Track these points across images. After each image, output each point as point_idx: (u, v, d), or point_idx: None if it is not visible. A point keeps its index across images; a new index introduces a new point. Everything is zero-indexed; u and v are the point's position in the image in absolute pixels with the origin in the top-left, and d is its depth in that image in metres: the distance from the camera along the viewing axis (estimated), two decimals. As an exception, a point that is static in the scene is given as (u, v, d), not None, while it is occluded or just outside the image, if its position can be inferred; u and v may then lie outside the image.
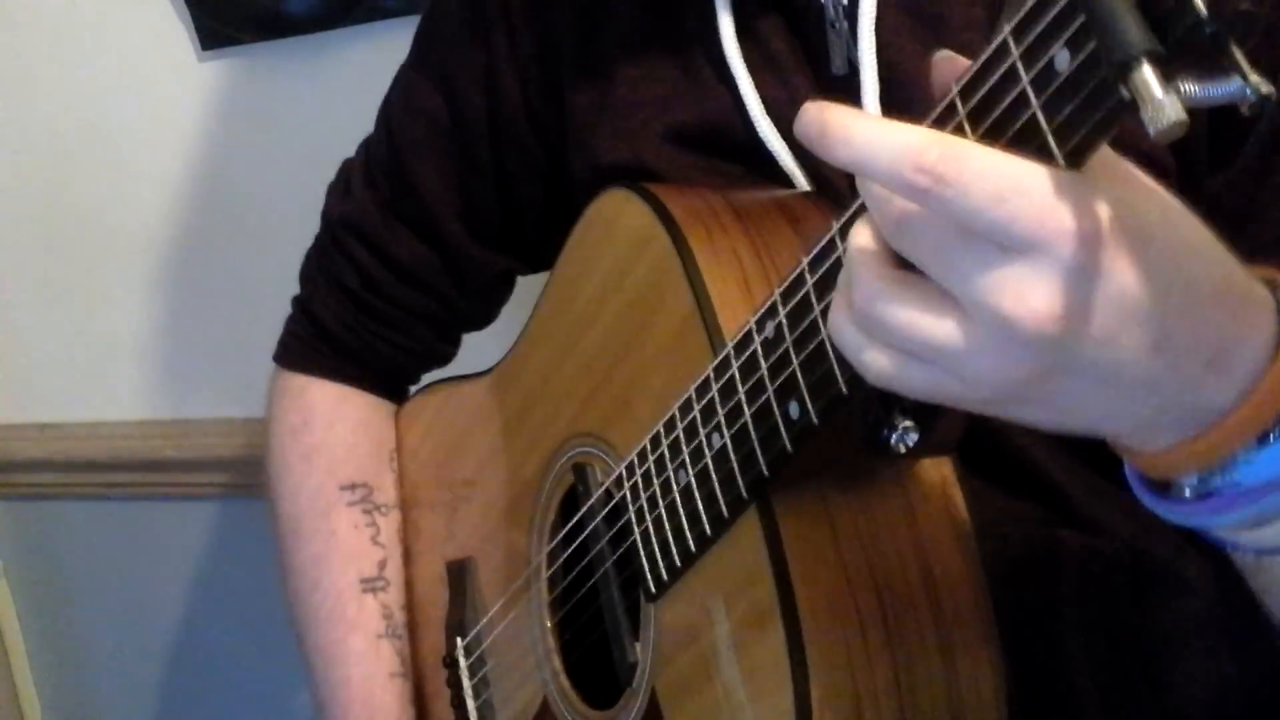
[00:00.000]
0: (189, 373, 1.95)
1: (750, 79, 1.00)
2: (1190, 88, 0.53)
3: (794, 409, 0.79)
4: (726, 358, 0.85)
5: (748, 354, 0.82)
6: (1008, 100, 0.59)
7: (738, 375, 0.84)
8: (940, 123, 0.63)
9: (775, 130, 1.00)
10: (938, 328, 0.62)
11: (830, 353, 0.75)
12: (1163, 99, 0.52)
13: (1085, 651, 0.97)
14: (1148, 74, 0.52)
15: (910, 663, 0.86)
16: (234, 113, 1.78)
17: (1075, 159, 0.58)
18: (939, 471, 0.89)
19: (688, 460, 0.90)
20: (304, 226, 1.33)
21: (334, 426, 1.30)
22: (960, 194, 0.59)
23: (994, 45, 0.60)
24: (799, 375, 0.78)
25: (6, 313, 2.03)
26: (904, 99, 0.94)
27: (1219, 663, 0.96)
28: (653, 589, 0.96)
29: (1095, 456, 0.83)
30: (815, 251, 0.74)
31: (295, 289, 1.33)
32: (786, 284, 0.78)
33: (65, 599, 2.22)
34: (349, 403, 1.31)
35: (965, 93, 0.62)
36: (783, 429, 0.81)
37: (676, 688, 0.96)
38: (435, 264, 1.25)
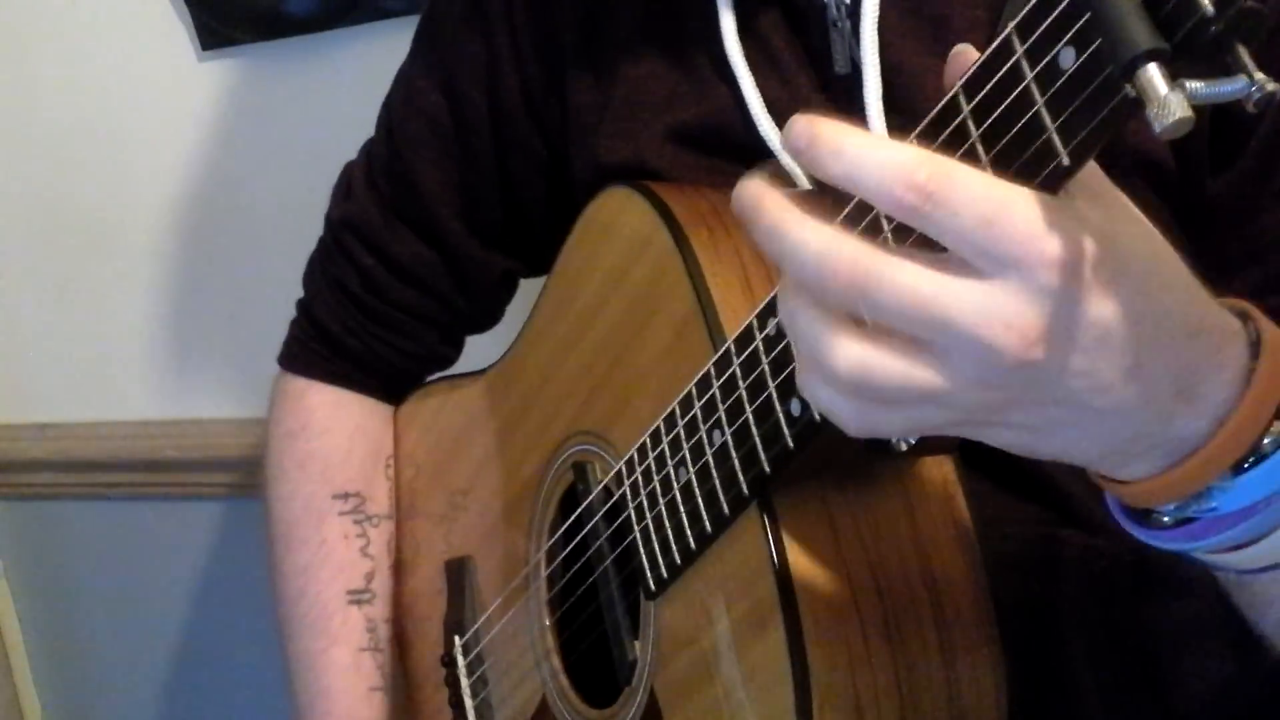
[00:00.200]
0: (189, 373, 1.95)
1: (752, 79, 1.00)
2: (1195, 85, 0.53)
3: (796, 406, 0.79)
4: (728, 354, 0.85)
5: (749, 350, 0.82)
6: (1011, 97, 0.59)
7: (739, 372, 0.84)
8: (943, 120, 0.63)
9: (776, 130, 1.00)
10: (923, 377, 0.61)
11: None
12: (1168, 96, 0.52)
13: (1086, 652, 0.97)
14: (1153, 72, 0.52)
15: (911, 662, 0.86)
16: (234, 113, 1.77)
17: (1078, 158, 0.58)
18: (940, 470, 0.89)
19: (688, 457, 0.90)
20: (303, 227, 1.32)
21: (330, 433, 1.30)
22: (950, 214, 0.58)
23: (997, 42, 0.60)
24: None
25: (6, 313, 2.03)
26: (906, 99, 0.94)
27: (1220, 663, 0.96)
28: (652, 587, 0.96)
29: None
30: None
31: (294, 289, 1.33)
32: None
33: (65, 599, 2.21)
34: (346, 408, 1.31)
35: (969, 90, 0.62)
36: (784, 426, 0.81)
37: (676, 687, 0.96)
38: (436, 265, 1.24)
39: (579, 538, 1.06)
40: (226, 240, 1.85)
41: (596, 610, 1.05)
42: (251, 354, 1.84)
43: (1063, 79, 0.57)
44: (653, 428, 0.94)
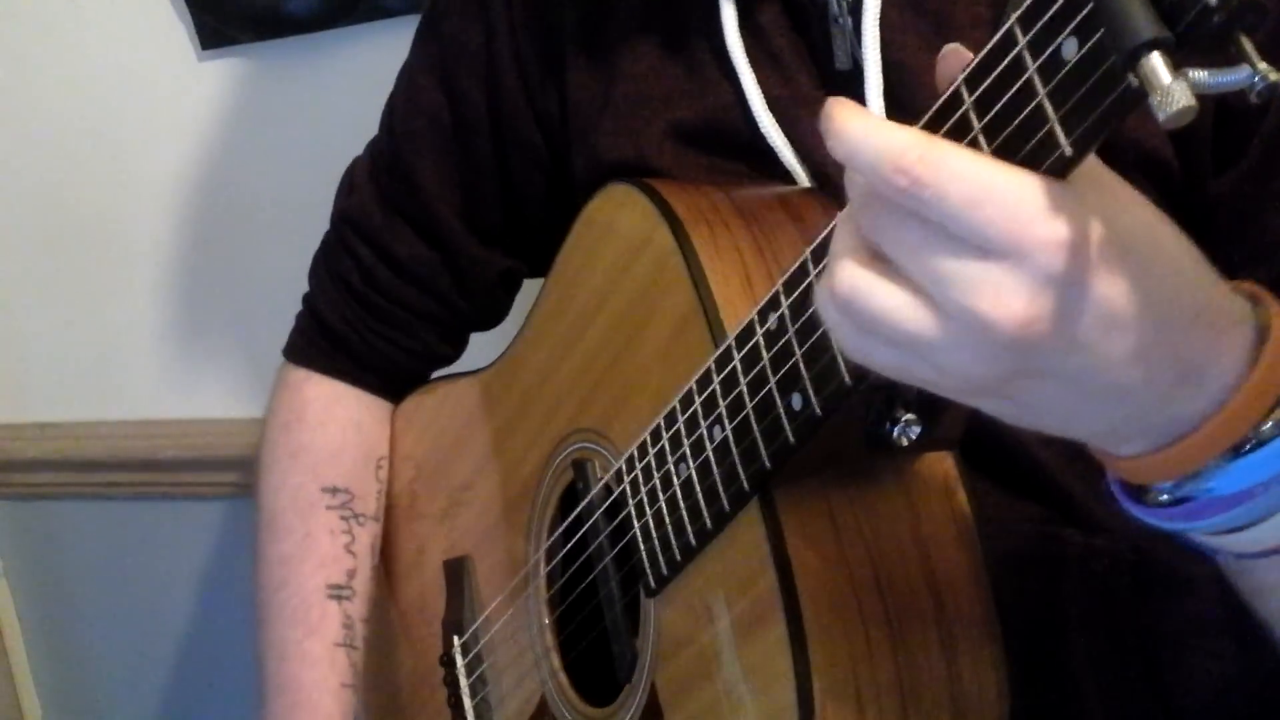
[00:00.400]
0: (189, 372, 1.95)
1: (753, 75, 1.00)
2: (1199, 75, 0.53)
3: (797, 400, 0.79)
4: (728, 350, 0.85)
5: (750, 346, 0.82)
6: (1014, 89, 0.60)
7: (739, 367, 0.84)
8: (945, 112, 0.63)
9: (778, 127, 1.00)
10: (913, 319, 0.62)
11: (833, 344, 0.75)
12: (1171, 85, 0.52)
13: (1088, 651, 0.97)
14: (1156, 61, 0.52)
15: (912, 659, 0.86)
16: (234, 113, 1.77)
17: (1081, 148, 0.58)
18: (941, 467, 0.89)
19: (688, 453, 0.90)
20: (303, 226, 1.33)
21: (325, 426, 1.30)
22: (936, 196, 0.59)
23: (1000, 33, 0.60)
24: (802, 366, 0.78)
25: (6, 313, 2.03)
26: (908, 95, 0.94)
27: (1221, 663, 0.96)
28: (653, 584, 0.96)
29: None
30: (817, 243, 0.74)
31: (293, 288, 1.33)
32: (789, 275, 0.78)
33: (65, 599, 2.21)
34: (343, 403, 1.31)
35: (971, 82, 0.62)
36: (785, 421, 0.81)
37: (676, 684, 0.96)
38: (435, 263, 1.24)
39: (578, 536, 1.06)
40: (226, 240, 1.85)
41: (596, 608, 1.05)
42: (252, 353, 1.84)
43: (1065, 70, 0.57)
44: (653, 425, 0.94)
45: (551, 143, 1.17)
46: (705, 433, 0.88)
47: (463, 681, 1.21)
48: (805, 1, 0.99)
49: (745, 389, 0.84)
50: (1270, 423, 0.66)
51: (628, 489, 0.97)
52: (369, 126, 1.29)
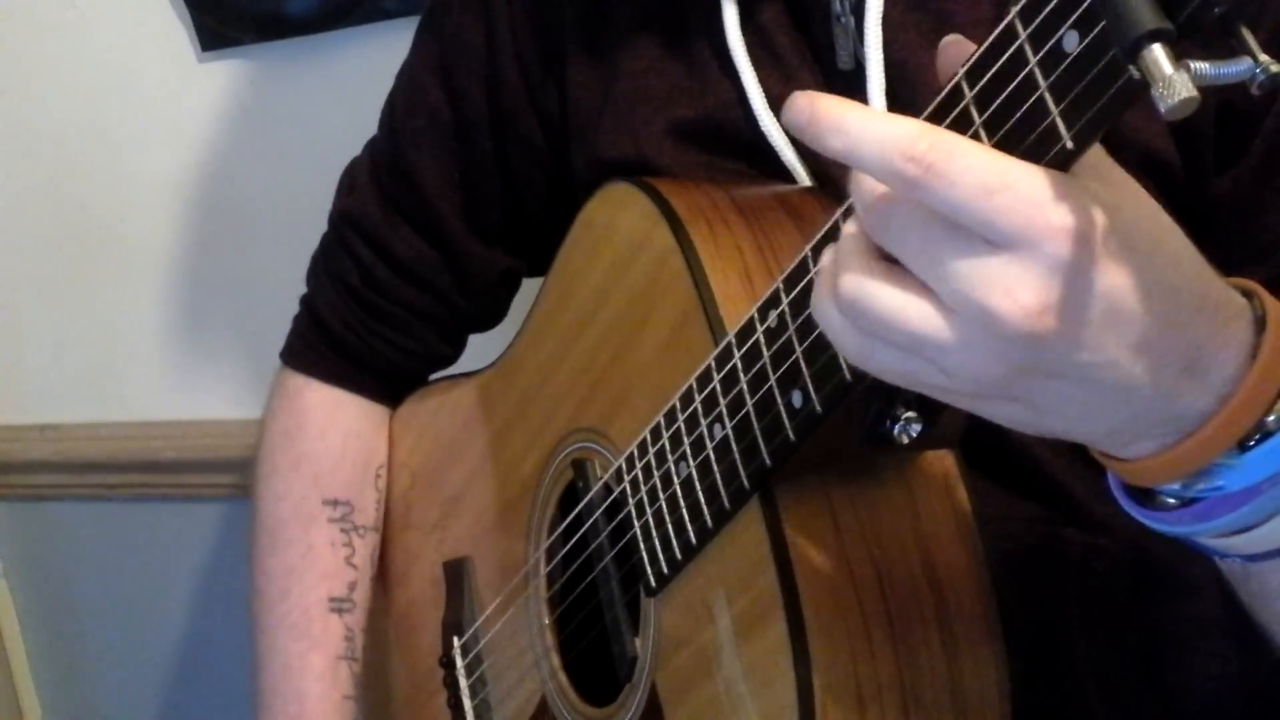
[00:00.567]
0: (190, 373, 1.95)
1: (754, 73, 1.00)
2: (1200, 67, 0.53)
3: (797, 398, 0.79)
4: (728, 347, 0.85)
5: (750, 343, 0.82)
6: (1015, 82, 0.60)
7: (740, 365, 0.84)
8: (946, 105, 0.63)
9: (778, 125, 1.00)
10: (922, 319, 0.62)
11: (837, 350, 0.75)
12: (1173, 76, 0.52)
13: (1089, 650, 0.96)
14: (1158, 53, 0.53)
15: (913, 657, 0.86)
16: (234, 113, 1.77)
17: (1082, 141, 0.58)
18: (941, 465, 0.89)
19: (688, 452, 0.90)
20: (303, 228, 1.33)
21: (326, 435, 1.30)
22: (948, 185, 0.59)
23: (1001, 27, 0.60)
24: (802, 364, 0.78)
25: (7, 313, 2.03)
26: (910, 95, 0.94)
27: (1223, 663, 0.96)
28: (653, 583, 0.96)
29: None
30: (817, 239, 0.74)
31: (293, 289, 1.33)
32: (789, 272, 0.78)
33: (65, 599, 2.21)
34: (344, 410, 1.31)
35: (972, 75, 0.62)
36: (786, 418, 0.80)
37: (677, 683, 0.96)
38: (436, 262, 1.24)
39: (578, 535, 1.06)
40: (227, 241, 1.85)
41: (596, 608, 1.04)
42: (252, 354, 1.84)
43: (1066, 62, 0.57)
44: (653, 423, 0.94)
45: (552, 141, 1.17)
46: (705, 431, 0.88)
47: (463, 682, 1.21)
48: (807, 0, 0.99)
49: (745, 386, 0.83)
50: (1274, 415, 0.66)
51: (628, 488, 0.97)
52: (369, 127, 1.29)
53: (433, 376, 1.33)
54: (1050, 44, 0.58)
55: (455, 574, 1.24)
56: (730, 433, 0.86)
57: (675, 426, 0.91)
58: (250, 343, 1.87)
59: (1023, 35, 0.59)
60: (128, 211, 1.88)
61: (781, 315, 0.79)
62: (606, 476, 1.02)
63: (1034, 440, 0.96)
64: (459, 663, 1.22)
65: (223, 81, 1.76)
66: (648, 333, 0.98)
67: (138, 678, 2.20)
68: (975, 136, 0.62)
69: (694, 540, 0.91)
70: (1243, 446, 0.66)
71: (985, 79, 0.61)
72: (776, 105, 0.99)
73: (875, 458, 0.87)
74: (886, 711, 0.85)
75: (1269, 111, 0.88)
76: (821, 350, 0.76)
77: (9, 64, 1.86)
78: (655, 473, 0.94)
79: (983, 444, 0.89)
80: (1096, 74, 0.56)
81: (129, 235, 1.90)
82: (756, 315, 0.81)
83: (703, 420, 0.88)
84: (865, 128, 0.61)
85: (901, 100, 0.95)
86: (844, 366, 0.75)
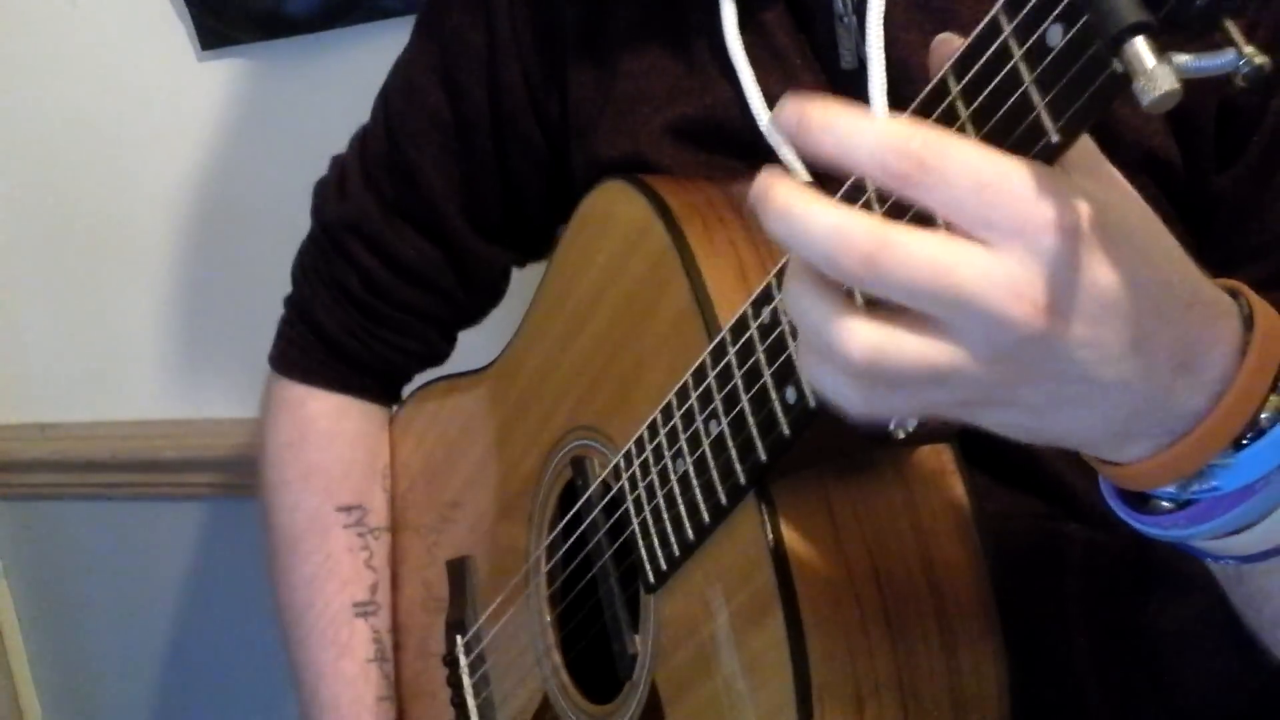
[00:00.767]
0: (189, 373, 1.95)
1: (752, 73, 1.00)
2: (1184, 59, 0.53)
3: (791, 393, 0.79)
4: (722, 343, 0.85)
5: (744, 339, 0.82)
6: (1000, 76, 0.60)
7: (734, 361, 0.84)
8: (932, 101, 0.63)
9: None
10: (939, 353, 0.61)
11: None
12: (1155, 69, 0.52)
13: (1089, 647, 0.96)
14: (1140, 45, 0.53)
15: (912, 653, 0.86)
16: (234, 113, 1.77)
17: (1068, 135, 0.58)
18: (938, 460, 0.89)
19: (685, 448, 0.90)
20: (304, 227, 1.32)
21: (333, 444, 1.30)
22: (942, 182, 0.59)
23: (986, 21, 0.60)
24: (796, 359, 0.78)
25: (6, 313, 2.03)
26: (912, 95, 0.94)
27: (1224, 660, 0.95)
28: (652, 580, 0.96)
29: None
30: None
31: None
32: (781, 267, 0.77)
33: (65, 599, 2.22)
34: (348, 416, 1.31)
35: (958, 70, 0.62)
36: (780, 414, 0.80)
37: (676, 680, 0.96)
38: (440, 261, 1.24)
39: (578, 533, 1.06)
40: (226, 240, 1.85)
41: (596, 605, 1.05)
42: (252, 354, 1.82)
43: (1050, 56, 0.57)
44: (649, 420, 0.94)
45: (552, 141, 1.17)
46: (701, 427, 0.88)
47: (466, 681, 1.21)
48: (809, 1, 0.99)
49: (740, 382, 0.83)
50: (1267, 412, 0.66)
51: (625, 485, 0.97)
52: (369, 125, 1.29)
53: (433, 377, 1.33)
54: (1035, 38, 0.58)
55: (458, 573, 1.24)
56: (726, 429, 0.86)
57: (671, 423, 0.91)
58: (249, 342, 1.85)
59: (1008, 29, 0.59)
60: (127, 211, 1.88)
61: (774, 311, 0.79)
62: (605, 474, 1.02)
63: (1037, 439, 0.96)
64: (462, 661, 1.22)
65: (222, 81, 1.76)
66: (644, 330, 0.98)
67: (137, 677, 2.20)
68: (962, 130, 0.62)
69: (691, 537, 0.91)
70: (1237, 445, 0.66)
71: (971, 73, 0.61)
72: (776, 105, 0.99)
73: (872, 453, 0.87)
74: (884, 708, 0.85)
75: (1268, 109, 0.88)
76: None
77: (9, 62, 1.86)
78: (652, 470, 0.94)
79: (982, 439, 0.89)
80: (1081, 67, 0.56)
81: (129, 234, 1.90)
82: (750, 311, 0.81)
83: (698, 416, 0.88)
84: (856, 128, 0.61)
85: (904, 100, 0.93)
86: None
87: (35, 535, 2.19)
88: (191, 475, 1.98)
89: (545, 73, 1.14)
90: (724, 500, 0.88)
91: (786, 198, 0.62)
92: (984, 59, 0.60)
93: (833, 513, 0.87)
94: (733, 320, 0.83)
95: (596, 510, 1.03)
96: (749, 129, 1.00)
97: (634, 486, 0.96)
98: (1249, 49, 0.53)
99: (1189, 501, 0.68)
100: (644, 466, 0.95)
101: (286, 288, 1.33)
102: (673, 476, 0.92)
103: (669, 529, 0.93)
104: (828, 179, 0.97)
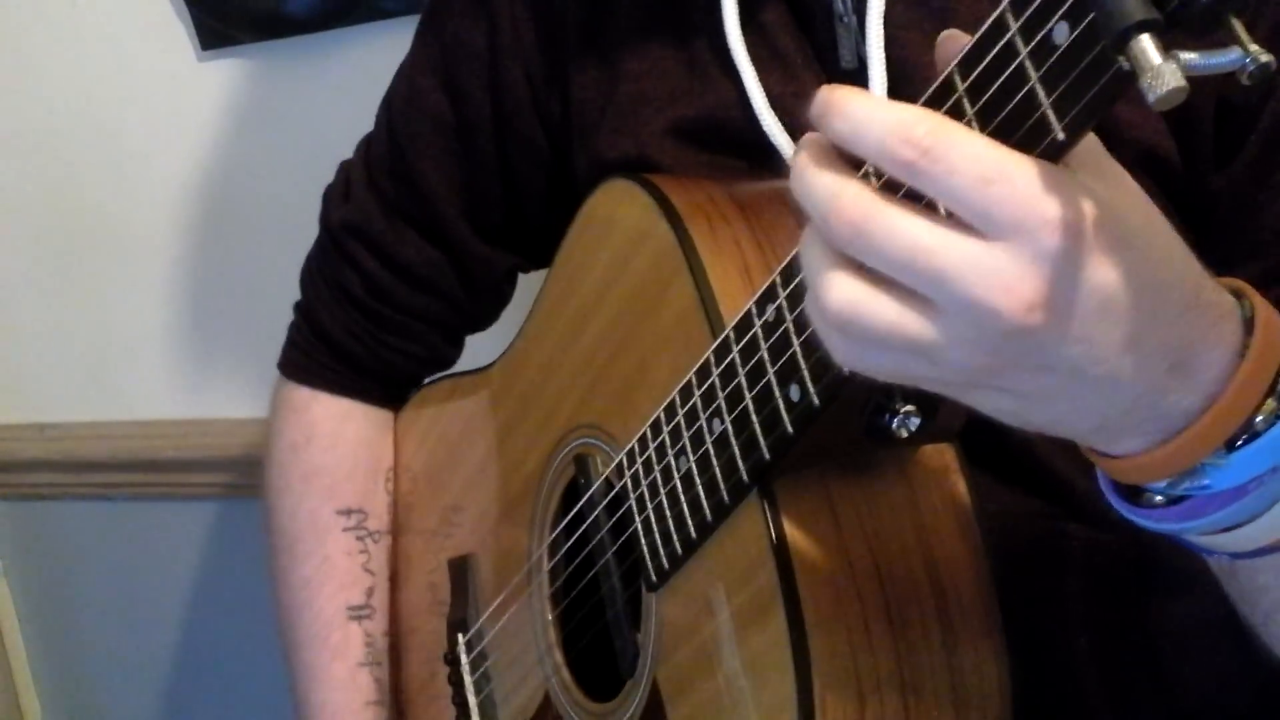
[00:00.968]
0: (189, 373, 1.95)
1: (754, 73, 1.00)
2: (1189, 57, 0.53)
3: (795, 391, 0.79)
4: (726, 341, 0.85)
5: (748, 337, 0.82)
6: (1006, 74, 0.60)
7: (738, 359, 0.84)
8: (939, 97, 0.63)
9: (780, 125, 0.99)
10: (915, 326, 0.62)
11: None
12: (1161, 67, 0.52)
13: (1091, 645, 0.97)
14: (1146, 43, 0.53)
15: (913, 651, 0.86)
16: (234, 113, 1.77)
17: (1073, 132, 0.58)
18: (941, 459, 0.89)
19: (688, 446, 0.90)
20: (304, 227, 1.32)
21: (336, 447, 1.30)
22: (947, 171, 0.59)
23: (993, 19, 0.60)
24: (799, 357, 0.78)
25: (6, 313, 2.03)
26: (913, 93, 0.94)
27: (1224, 659, 0.95)
28: (654, 578, 0.96)
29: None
30: None
31: (294, 289, 1.33)
32: (785, 265, 0.78)
33: (65, 599, 2.21)
34: (352, 420, 1.31)
35: (964, 67, 0.62)
36: (784, 412, 0.80)
37: (678, 678, 0.96)
38: (443, 265, 1.24)
39: (581, 531, 1.06)
40: (226, 240, 1.85)
41: (599, 604, 1.05)
42: (252, 354, 1.84)
43: (1056, 54, 0.57)
44: (653, 418, 0.94)
45: (554, 142, 1.17)
46: (705, 425, 0.88)
47: (467, 679, 1.21)
48: (810, 1, 0.99)
49: (744, 380, 0.83)
50: (1262, 415, 0.66)
51: (628, 483, 0.97)
52: (369, 126, 1.29)
53: (435, 377, 1.33)
54: (1041, 35, 0.58)
55: (459, 571, 1.24)
56: (729, 427, 0.86)
57: (674, 421, 0.91)
58: (250, 341, 1.87)
59: (1014, 27, 0.59)
60: (127, 210, 1.88)
61: (779, 309, 0.79)
62: (608, 472, 1.02)
63: (1035, 434, 0.96)
64: (464, 660, 1.22)
65: (222, 80, 1.76)
66: (648, 328, 0.99)
67: (138, 677, 2.20)
68: (968, 127, 0.62)
69: (694, 535, 0.91)
70: (1230, 446, 0.66)
71: (978, 71, 0.61)
72: (778, 105, 0.99)
73: (874, 452, 0.87)
74: (886, 705, 0.85)
75: (1266, 107, 0.88)
76: (819, 344, 0.76)
77: (9, 63, 1.86)
78: (655, 468, 0.94)
79: (984, 438, 0.89)
80: (1086, 65, 0.56)
81: (128, 234, 1.89)
82: (754, 309, 0.81)
83: (701, 414, 0.88)
84: (867, 111, 0.62)
85: (904, 99, 0.94)
86: None
87: (35, 535, 2.18)
88: (191, 475, 1.98)
89: (547, 74, 1.14)
90: (726, 498, 0.88)
91: (804, 156, 0.65)
92: (990, 56, 0.60)
93: (835, 511, 0.87)
94: (736, 318, 0.83)
95: (599, 508, 1.03)
96: (750, 129, 1.00)
97: (636, 485, 0.96)
98: (1254, 47, 0.53)
99: (1181, 497, 0.69)
100: (647, 464, 0.95)
101: (286, 287, 1.33)
102: (675, 474, 0.92)
103: (671, 527, 0.93)
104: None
